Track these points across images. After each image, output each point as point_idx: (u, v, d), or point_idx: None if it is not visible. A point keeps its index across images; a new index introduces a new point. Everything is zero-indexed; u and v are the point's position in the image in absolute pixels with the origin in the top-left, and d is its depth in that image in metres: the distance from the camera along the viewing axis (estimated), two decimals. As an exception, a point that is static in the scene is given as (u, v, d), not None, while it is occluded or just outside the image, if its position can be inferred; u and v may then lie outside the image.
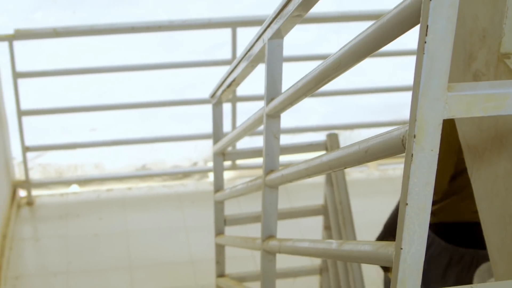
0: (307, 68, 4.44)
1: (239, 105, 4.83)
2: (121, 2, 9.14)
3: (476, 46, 1.70)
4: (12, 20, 8.61)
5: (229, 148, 3.14)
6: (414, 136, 1.01)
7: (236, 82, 2.44)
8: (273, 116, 1.96)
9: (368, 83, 6.29)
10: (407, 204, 1.02)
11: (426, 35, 0.98)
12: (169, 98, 5.73)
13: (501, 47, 1.60)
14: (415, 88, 1.02)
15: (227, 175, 5.04)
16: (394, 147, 1.13)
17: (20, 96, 4.57)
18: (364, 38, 1.25)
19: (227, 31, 4.62)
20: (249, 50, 2.09)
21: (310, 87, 1.59)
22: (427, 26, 0.98)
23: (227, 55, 4.75)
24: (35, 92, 6.43)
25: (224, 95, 2.75)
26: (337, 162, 1.39)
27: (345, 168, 1.39)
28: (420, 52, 1.00)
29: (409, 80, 4.63)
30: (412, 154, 1.01)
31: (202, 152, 5.80)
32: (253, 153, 2.98)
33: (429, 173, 1.02)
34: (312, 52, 6.01)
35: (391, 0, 5.71)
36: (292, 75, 3.68)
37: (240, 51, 2.57)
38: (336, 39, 6.53)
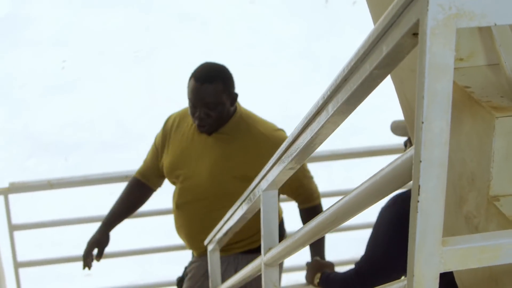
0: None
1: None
2: (112, 147, 9.27)
3: (466, 189, 1.74)
4: (6, 169, 8.69)
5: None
6: (414, 291, 1.04)
7: (232, 231, 2.47)
8: (271, 265, 1.99)
9: (362, 218, 6.31)
10: None
11: (419, 194, 1.02)
12: (163, 243, 5.72)
13: (490, 190, 1.64)
14: (411, 245, 1.06)
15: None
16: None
17: (16, 247, 4.57)
18: (358, 194, 1.30)
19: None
20: (244, 200, 2.13)
21: (307, 238, 1.62)
22: (419, 186, 1.02)
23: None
24: (30, 239, 6.42)
25: (220, 242, 2.78)
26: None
27: None
28: (413, 211, 1.04)
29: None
30: (413, 309, 1.04)
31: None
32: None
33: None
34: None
35: (376, 136, 5.75)
36: (287, 212, 3.71)
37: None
38: (327, 176, 6.63)
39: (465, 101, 1.49)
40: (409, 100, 1.83)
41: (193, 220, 3.28)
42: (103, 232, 3.54)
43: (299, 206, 3.44)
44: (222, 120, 3.19)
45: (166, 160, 3.38)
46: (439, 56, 0.95)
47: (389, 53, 1.07)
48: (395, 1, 1.03)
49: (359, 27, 6.42)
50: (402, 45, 1.04)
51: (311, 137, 1.52)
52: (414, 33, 1.00)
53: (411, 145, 1.80)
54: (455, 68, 1.55)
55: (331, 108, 1.38)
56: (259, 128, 3.24)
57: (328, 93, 1.36)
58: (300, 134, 1.58)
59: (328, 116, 1.40)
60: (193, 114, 3.16)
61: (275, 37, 6.36)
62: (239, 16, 6.32)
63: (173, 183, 3.42)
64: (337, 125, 1.45)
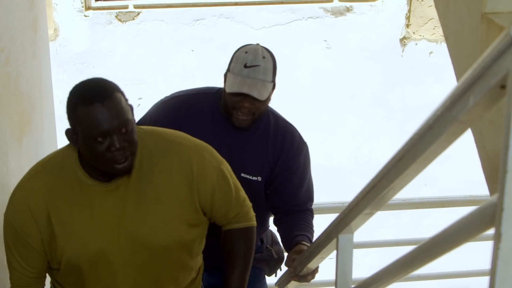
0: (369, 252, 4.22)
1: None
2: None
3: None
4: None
5: None
6: None
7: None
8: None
9: (431, 268, 6.23)
10: None
11: (500, 241, 1.05)
12: None
13: None
14: (491, 291, 1.08)
15: None
16: None
17: None
18: (435, 239, 1.32)
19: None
20: (319, 244, 2.17)
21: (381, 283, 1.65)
22: (500, 233, 1.05)
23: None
24: None
25: None
26: None
27: None
28: (494, 258, 1.06)
29: (473, 265, 4.56)
30: None
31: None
32: None
33: None
34: (373, 238, 6.05)
35: (447, 187, 5.69)
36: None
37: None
38: (396, 223, 6.58)
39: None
40: (488, 151, 1.85)
41: None
42: None
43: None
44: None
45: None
46: (526, 109, 0.98)
47: (477, 104, 1.10)
48: (486, 52, 1.07)
49: (434, 77, 6.42)
50: (489, 96, 1.08)
51: (390, 184, 1.55)
52: (502, 85, 1.03)
53: None
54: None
55: (411, 156, 1.41)
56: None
57: (410, 141, 1.40)
58: (380, 181, 1.62)
59: (408, 165, 1.44)
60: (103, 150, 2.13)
61: (350, 83, 6.40)
62: (315, 60, 6.39)
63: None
64: (417, 173, 1.49)
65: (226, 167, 2.38)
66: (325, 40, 6.35)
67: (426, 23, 6.44)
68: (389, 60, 6.44)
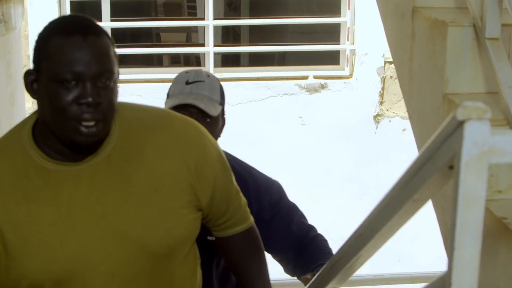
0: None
1: None
2: None
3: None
4: None
5: None
6: None
7: None
8: None
9: None
10: None
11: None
12: None
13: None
14: None
15: None
16: None
17: None
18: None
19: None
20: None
21: None
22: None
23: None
24: None
25: None
26: None
27: None
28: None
29: None
30: None
31: None
32: None
33: None
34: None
35: (421, 263, 5.72)
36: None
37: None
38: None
39: (501, 231, 1.56)
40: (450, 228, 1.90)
41: None
42: None
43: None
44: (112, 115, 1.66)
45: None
46: (472, 188, 1.04)
47: (428, 183, 1.16)
48: (434, 135, 1.13)
49: (408, 154, 6.52)
50: (439, 176, 1.13)
51: (353, 258, 1.59)
52: (450, 166, 1.09)
53: None
54: (493, 200, 1.63)
55: (371, 232, 1.46)
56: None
57: (370, 217, 1.45)
58: (342, 255, 1.66)
59: (369, 239, 1.48)
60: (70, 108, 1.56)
61: (325, 159, 6.47)
62: (290, 136, 6.47)
63: None
64: (377, 248, 1.53)
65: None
66: (300, 117, 6.45)
67: (399, 100, 6.56)
68: (363, 136, 6.53)
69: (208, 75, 2.33)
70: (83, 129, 1.55)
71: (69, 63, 1.53)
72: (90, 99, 1.54)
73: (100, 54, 1.57)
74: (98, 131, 1.57)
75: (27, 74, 1.62)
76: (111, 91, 1.60)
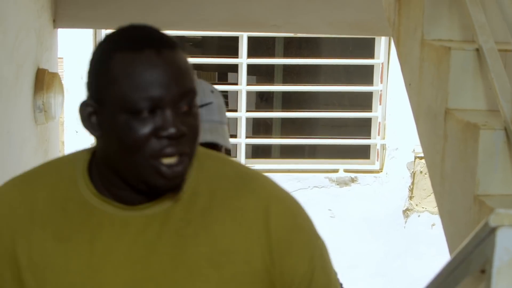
0: None
1: None
2: None
3: None
4: None
5: None
6: None
7: None
8: None
9: None
10: None
11: None
12: None
13: None
14: None
15: None
16: None
17: None
18: None
19: None
20: None
21: None
22: None
23: None
24: None
25: None
26: None
27: None
28: None
29: None
30: None
31: None
32: None
33: None
34: None
35: None
36: None
37: None
38: None
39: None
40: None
41: None
42: None
43: None
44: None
45: None
46: (504, 293, 1.07)
47: (460, 286, 1.19)
48: (467, 240, 1.16)
49: (436, 249, 6.47)
50: (471, 280, 1.16)
51: None
52: (482, 270, 1.12)
53: None
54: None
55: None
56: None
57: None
58: None
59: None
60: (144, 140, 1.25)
61: (352, 253, 6.45)
62: (319, 229, 6.47)
63: None
64: None
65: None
66: (330, 209, 6.46)
67: (429, 195, 6.57)
68: (392, 230, 6.52)
69: (212, 91, 2.07)
70: (165, 169, 1.23)
71: (143, 87, 1.21)
72: (172, 130, 1.21)
73: (179, 71, 1.24)
74: (184, 169, 1.25)
75: (84, 106, 1.28)
76: (195, 117, 1.27)
